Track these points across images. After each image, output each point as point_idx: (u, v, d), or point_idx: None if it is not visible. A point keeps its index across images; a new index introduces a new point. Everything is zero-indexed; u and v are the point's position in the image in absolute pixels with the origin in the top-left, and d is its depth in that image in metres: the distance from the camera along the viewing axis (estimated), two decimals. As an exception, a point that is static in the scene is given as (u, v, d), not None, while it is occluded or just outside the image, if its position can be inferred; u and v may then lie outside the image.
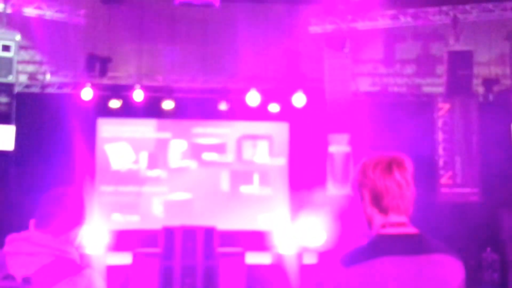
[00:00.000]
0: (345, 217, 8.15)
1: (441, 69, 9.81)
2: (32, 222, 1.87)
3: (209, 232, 8.01)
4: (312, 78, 10.09)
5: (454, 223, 9.04)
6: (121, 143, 10.43)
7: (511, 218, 8.66)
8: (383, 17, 9.55)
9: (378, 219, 1.72)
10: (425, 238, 1.71)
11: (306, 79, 10.14)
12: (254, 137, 10.73)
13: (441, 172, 9.22)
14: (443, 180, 9.21)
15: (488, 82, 10.02)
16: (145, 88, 9.91)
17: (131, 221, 10.22)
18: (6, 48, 8.60)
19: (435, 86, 10.36)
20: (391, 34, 10.35)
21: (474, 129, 9.19)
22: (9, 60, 8.64)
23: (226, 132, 10.72)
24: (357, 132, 9.28)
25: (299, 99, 9.97)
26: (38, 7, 9.18)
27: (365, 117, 9.53)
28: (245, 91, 9.98)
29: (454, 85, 8.98)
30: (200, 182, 10.47)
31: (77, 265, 1.79)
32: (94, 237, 8.02)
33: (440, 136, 9.27)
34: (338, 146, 9.48)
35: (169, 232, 7.97)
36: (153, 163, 10.46)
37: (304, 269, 8.11)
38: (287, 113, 10.35)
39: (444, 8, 9.24)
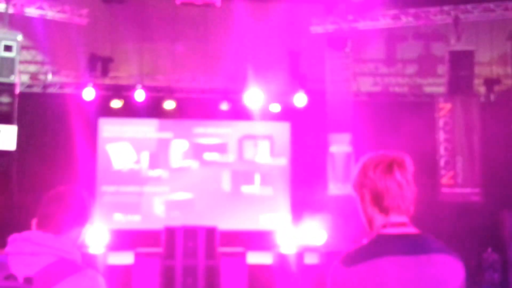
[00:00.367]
0: (346, 217, 8.15)
1: (442, 69, 9.81)
2: (34, 222, 1.86)
3: (210, 232, 8.01)
4: (313, 78, 10.10)
5: (455, 223, 9.04)
6: (122, 143, 10.44)
7: (512, 218, 8.65)
8: (384, 17, 9.55)
9: (379, 219, 1.72)
10: (425, 238, 1.70)
11: (307, 79, 10.15)
12: (255, 137, 10.74)
13: (442, 172, 9.21)
14: (444, 180, 9.20)
15: (490, 82, 10.02)
16: (146, 88, 9.93)
17: (132, 221, 10.24)
18: (8, 48, 8.63)
19: (436, 86, 10.37)
20: (393, 34, 10.36)
21: (475, 129, 9.18)
22: (11, 60, 8.67)
23: (227, 132, 10.73)
24: (358, 132, 9.28)
25: (300, 99, 9.97)
26: (40, 7, 9.20)
27: (366, 117, 9.54)
28: (246, 91, 9.98)
29: (456, 85, 8.99)
30: (201, 182, 10.48)
31: (79, 265, 1.78)
32: (96, 237, 8.04)
33: (441, 136, 9.27)
34: (339, 146, 9.49)
35: (170, 232, 7.97)
36: (154, 163, 10.47)
37: (305, 269, 8.10)
38: (288, 113, 10.35)
39: (446, 8, 9.25)
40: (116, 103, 10.02)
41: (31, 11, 9.17)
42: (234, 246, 8.57)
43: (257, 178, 10.67)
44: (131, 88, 9.90)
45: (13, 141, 8.66)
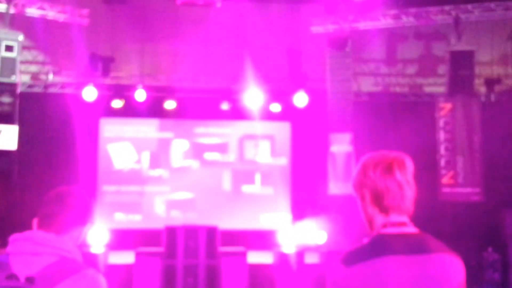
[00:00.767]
0: (346, 217, 8.16)
1: (443, 68, 9.81)
2: (35, 222, 1.87)
3: (211, 231, 8.02)
4: (314, 78, 10.11)
5: (455, 223, 9.05)
6: (123, 142, 10.46)
7: (513, 218, 8.66)
8: (385, 17, 9.56)
9: (379, 219, 1.72)
10: (425, 237, 1.70)
11: (308, 78, 10.15)
12: (255, 137, 10.75)
13: (443, 171, 9.21)
14: (445, 180, 9.20)
15: (490, 82, 10.02)
16: (147, 88, 9.94)
17: (133, 221, 10.25)
18: (9, 48, 8.64)
19: (437, 85, 10.38)
20: (393, 34, 10.36)
21: (476, 128, 9.18)
22: (12, 60, 8.68)
23: (228, 131, 10.74)
24: (359, 132, 9.29)
25: (301, 99, 9.98)
26: (41, 8, 9.21)
27: (367, 116, 9.54)
28: (247, 91, 9.99)
29: (456, 85, 8.99)
30: (202, 182, 10.50)
31: (80, 265, 1.79)
32: (97, 237, 8.06)
33: (441, 135, 9.27)
34: (340, 146, 9.49)
35: (171, 231, 7.98)
36: (155, 162, 10.49)
37: (306, 268, 8.12)
38: (289, 113, 10.36)
39: (446, 7, 9.24)
40: (117, 103, 10.03)
41: (32, 11, 9.18)
42: (235, 245, 8.58)
43: (258, 177, 10.68)
44: (132, 88, 9.91)
45: (14, 141, 8.67)
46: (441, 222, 8.70)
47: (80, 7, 9.44)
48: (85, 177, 9.33)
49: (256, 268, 8.25)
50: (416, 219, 1.78)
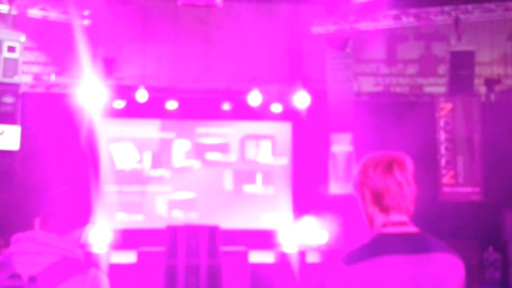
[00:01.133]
0: (347, 216, 8.19)
1: (443, 69, 9.84)
2: (37, 222, 1.88)
3: (213, 231, 8.03)
4: (315, 78, 10.12)
5: (456, 222, 9.07)
6: (125, 142, 10.49)
7: (513, 217, 8.68)
8: (385, 18, 9.57)
9: (379, 218, 1.73)
10: (425, 237, 1.71)
11: (309, 79, 10.18)
12: (257, 137, 10.78)
13: (443, 171, 9.24)
14: (445, 180, 9.23)
15: (490, 82, 10.04)
16: (149, 89, 9.96)
17: (135, 220, 10.29)
18: (11, 49, 8.66)
19: (437, 86, 10.39)
20: (393, 35, 10.38)
21: (476, 128, 9.21)
22: (14, 61, 8.69)
23: (229, 132, 10.77)
24: (359, 132, 9.31)
25: (301, 99, 10.00)
26: (43, 9, 9.24)
27: (367, 116, 9.56)
28: (248, 91, 10.02)
29: (456, 85, 9.00)
30: (204, 182, 10.53)
31: (83, 264, 1.81)
32: (99, 236, 8.09)
33: (442, 135, 9.29)
34: (341, 146, 9.51)
35: (173, 231, 8.00)
36: (157, 162, 10.52)
37: (307, 267, 8.14)
38: (290, 113, 10.39)
39: (446, 8, 9.26)
40: (119, 103, 10.06)
41: (34, 12, 9.20)
42: (236, 245, 8.60)
43: (259, 177, 10.71)
44: (134, 88, 9.93)
45: (17, 141, 8.71)
46: (441, 222, 8.73)
47: (82, 8, 9.46)
48: (87, 177, 9.36)
49: (258, 268, 8.28)
50: (416, 219, 1.79)
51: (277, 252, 8.43)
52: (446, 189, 9.21)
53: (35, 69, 10.22)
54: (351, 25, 9.65)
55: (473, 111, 9.20)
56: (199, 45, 10.28)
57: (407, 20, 9.56)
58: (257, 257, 8.43)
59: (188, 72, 10.32)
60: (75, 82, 9.90)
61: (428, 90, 10.56)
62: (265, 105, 10.24)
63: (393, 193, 1.70)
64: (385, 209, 1.72)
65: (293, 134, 10.74)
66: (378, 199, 1.72)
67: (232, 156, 10.70)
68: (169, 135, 10.65)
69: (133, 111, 10.13)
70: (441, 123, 9.30)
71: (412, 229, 1.72)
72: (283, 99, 10.25)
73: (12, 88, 8.78)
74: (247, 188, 10.66)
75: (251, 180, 10.66)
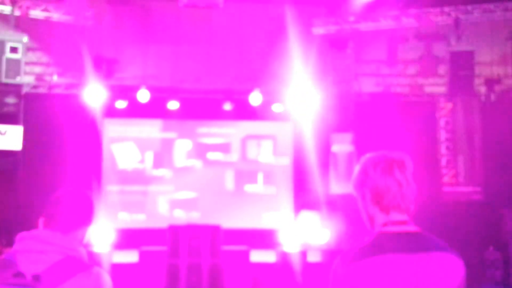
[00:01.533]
0: (348, 216, 8.22)
1: (443, 69, 9.87)
2: (41, 221, 1.90)
3: (214, 230, 8.04)
4: (315, 79, 10.15)
5: (456, 222, 9.08)
6: (127, 143, 10.52)
7: (513, 217, 8.70)
8: (386, 18, 9.61)
9: (380, 217, 1.74)
10: (425, 236, 1.72)
11: (310, 79, 10.19)
12: (258, 137, 10.81)
13: (444, 171, 9.27)
14: (446, 179, 9.26)
15: (490, 82, 10.06)
16: (150, 89, 10.00)
17: (137, 220, 10.32)
18: (13, 50, 8.71)
19: (437, 86, 10.41)
20: (394, 35, 10.40)
21: (476, 128, 9.24)
22: (17, 62, 8.75)
23: (231, 132, 10.79)
24: (360, 132, 9.34)
25: (302, 99, 10.03)
26: (45, 10, 9.28)
27: (368, 116, 9.59)
28: (249, 91, 10.05)
29: (456, 85, 9.04)
30: (205, 181, 10.55)
31: (86, 263, 1.82)
32: (101, 236, 8.12)
33: (442, 135, 9.33)
34: (341, 146, 9.55)
35: (174, 230, 8.01)
36: (158, 162, 10.55)
37: (308, 267, 8.15)
38: (291, 113, 10.42)
39: (446, 9, 9.29)
40: (121, 104, 10.10)
41: (37, 13, 9.24)
42: (238, 244, 8.61)
43: (260, 177, 10.73)
44: (135, 88, 9.96)
45: (19, 142, 8.76)
46: (442, 221, 8.74)
47: (84, 9, 9.50)
48: (89, 177, 9.40)
49: (259, 267, 8.29)
50: (417, 218, 1.80)
51: (278, 251, 8.45)
52: (447, 189, 9.25)
53: (38, 69, 10.26)
54: (352, 26, 9.69)
55: (473, 111, 9.24)
56: (200, 45, 10.31)
57: (408, 21, 9.60)
58: (258, 256, 8.44)
59: (189, 72, 10.35)
60: (77, 82, 9.95)
61: (428, 90, 10.58)
62: (266, 105, 10.27)
63: (393, 192, 1.72)
64: (385, 209, 1.73)
65: (294, 134, 10.76)
66: (378, 199, 1.74)
67: (234, 156, 10.73)
68: (170, 135, 10.68)
69: (135, 111, 10.16)
70: (442, 123, 9.34)
71: (412, 228, 1.73)
72: (284, 99, 10.27)
73: (15, 89, 8.84)
74: (249, 187, 10.69)
75: (253, 179, 10.69)
